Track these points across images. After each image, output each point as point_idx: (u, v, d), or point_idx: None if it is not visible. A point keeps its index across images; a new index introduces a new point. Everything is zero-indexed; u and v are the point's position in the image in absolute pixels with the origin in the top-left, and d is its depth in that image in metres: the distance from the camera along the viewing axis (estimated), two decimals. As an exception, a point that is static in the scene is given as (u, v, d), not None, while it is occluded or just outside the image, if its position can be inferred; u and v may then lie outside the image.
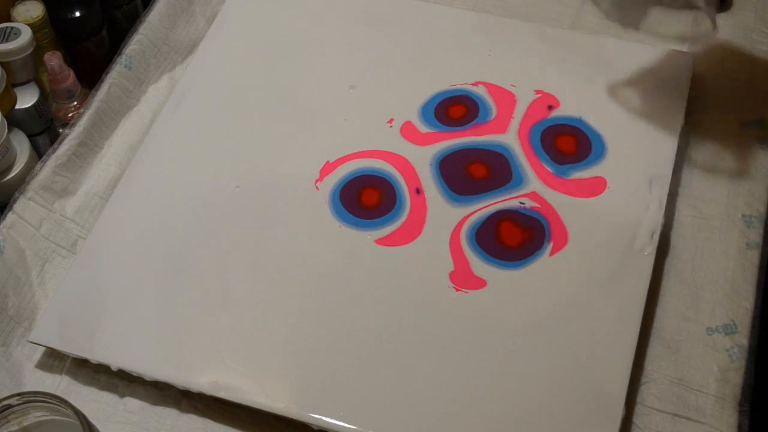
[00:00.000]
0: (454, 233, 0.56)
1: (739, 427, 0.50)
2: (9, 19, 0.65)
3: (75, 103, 0.68)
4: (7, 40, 0.63)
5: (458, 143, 0.61)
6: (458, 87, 0.64)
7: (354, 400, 0.51)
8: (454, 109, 0.63)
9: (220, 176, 0.60)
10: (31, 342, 0.55)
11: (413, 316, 0.53)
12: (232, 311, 0.54)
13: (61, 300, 0.56)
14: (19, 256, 0.58)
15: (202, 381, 0.52)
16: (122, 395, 0.54)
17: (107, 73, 0.65)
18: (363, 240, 0.57)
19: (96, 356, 0.53)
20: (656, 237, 0.55)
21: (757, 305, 0.54)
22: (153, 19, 0.68)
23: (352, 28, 0.67)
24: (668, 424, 0.51)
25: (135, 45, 0.67)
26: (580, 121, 0.61)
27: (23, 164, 0.63)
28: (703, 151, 0.61)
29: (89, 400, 0.54)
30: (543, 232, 0.56)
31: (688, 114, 0.62)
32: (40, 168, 0.61)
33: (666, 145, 0.59)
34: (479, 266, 0.55)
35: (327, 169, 0.60)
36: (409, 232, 0.57)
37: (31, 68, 0.66)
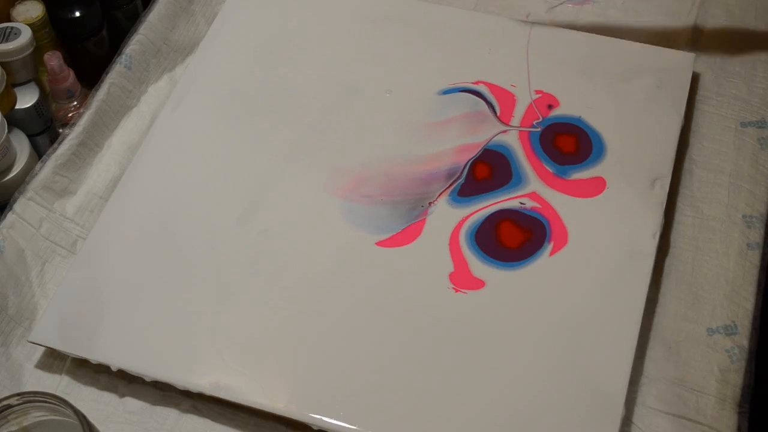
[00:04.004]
0: (454, 234, 0.56)
1: (739, 428, 0.50)
2: (9, 19, 0.65)
3: (75, 103, 0.68)
4: (7, 40, 0.63)
5: (458, 143, 0.61)
6: (458, 86, 0.64)
7: (354, 400, 0.51)
8: (454, 109, 0.63)
9: (220, 176, 0.60)
10: (31, 342, 0.55)
11: (413, 316, 0.53)
12: (232, 311, 0.54)
13: (61, 300, 0.56)
14: (19, 256, 0.58)
15: (202, 381, 0.52)
16: (122, 395, 0.54)
17: (107, 73, 0.65)
18: (363, 241, 0.57)
19: (96, 356, 0.53)
20: (656, 237, 0.55)
21: (758, 306, 0.54)
22: (153, 19, 0.68)
23: (352, 28, 0.67)
24: (668, 424, 0.51)
25: (135, 45, 0.66)
26: (580, 120, 0.61)
27: (23, 164, 0.63)
28: (703, 151, 0.61)
29: (89, 400, 0.54)
30: (543, 232, 0.56)
31: (688, 114, 0.62)
32: (40, 168, 0.61)
33: (666, 145, 0.59)
34: (479, 267, 0.55)
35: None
36: (409, 233, 0.57)
37: (31, 68, 0.65)
